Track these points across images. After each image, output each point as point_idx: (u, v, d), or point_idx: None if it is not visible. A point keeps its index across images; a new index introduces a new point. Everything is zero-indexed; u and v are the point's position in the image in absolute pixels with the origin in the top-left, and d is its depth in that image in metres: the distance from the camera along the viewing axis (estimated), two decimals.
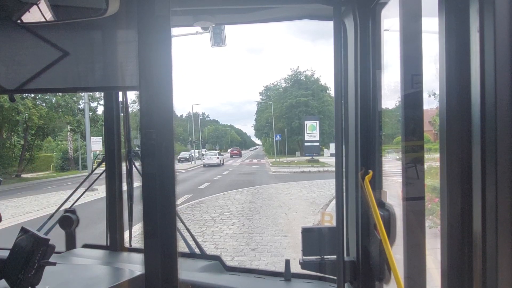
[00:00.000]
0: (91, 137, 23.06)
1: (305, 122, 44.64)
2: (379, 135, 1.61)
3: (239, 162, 48.13)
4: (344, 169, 1.64)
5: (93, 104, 32.15)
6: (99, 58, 1.64)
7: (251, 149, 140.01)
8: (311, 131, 42.63)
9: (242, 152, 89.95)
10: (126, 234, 2.51)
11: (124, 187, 2.54)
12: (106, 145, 2.45)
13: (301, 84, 63.15)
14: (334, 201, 2.10)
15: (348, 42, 1.68)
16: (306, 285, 1.89)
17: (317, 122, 44.00)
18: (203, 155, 47.03)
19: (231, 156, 67.92)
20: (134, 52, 1.35)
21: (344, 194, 1.67)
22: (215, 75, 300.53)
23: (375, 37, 1.57)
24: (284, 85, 67.93)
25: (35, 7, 1.51)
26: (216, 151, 52.05)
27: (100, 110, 32.69)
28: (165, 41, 1.26)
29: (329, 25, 1.52)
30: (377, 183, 1.58)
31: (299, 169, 30.44)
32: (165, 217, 1.25)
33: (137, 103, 1.58)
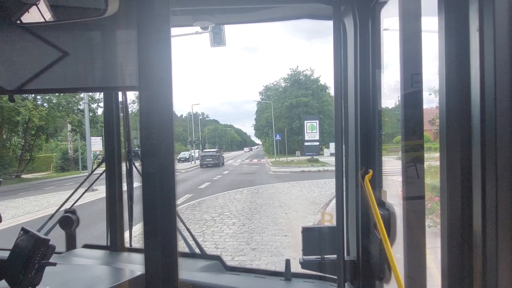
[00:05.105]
0: (91, 137, 23.05)
1: (305, 121, 44.61)
2: (379, 134, 1.61)
3: (239, 162, 48.17)
4: (344, 169, 1.64)
5: (93, 106, 32.17)
6: (98, 58, 1.63)
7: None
8: (311, 131, 42.58)
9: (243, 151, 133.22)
10: (126, 234, 2.51)
11: (124, 187, 2.54)
12: (106, 145, 2.45)
13: (301, 84, 63.05)
14: (334, 201, 2.09)
15: (347, 42, 1.68)
16: (307, 285, 1.89)
17: (317, 121, 43.95)
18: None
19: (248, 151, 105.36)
20: (134, 52, 1.35)
21: (344, 193, 1.67)
22: (213, 74, 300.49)
23: (374, 37, 1.57)
24: (283, 84, 67.89)
25: (34, 7, 1.51)
26: (249, 147, 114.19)
27: (99, 111, 32.70)
28: (165, 41, 1.26)
29: (324, 24, 1.52)
30: (377, 183, 1.58)
31: (299, 168, 30.41)
32: (165, 217, 1.25)
33: (137, 103, 1.58)
